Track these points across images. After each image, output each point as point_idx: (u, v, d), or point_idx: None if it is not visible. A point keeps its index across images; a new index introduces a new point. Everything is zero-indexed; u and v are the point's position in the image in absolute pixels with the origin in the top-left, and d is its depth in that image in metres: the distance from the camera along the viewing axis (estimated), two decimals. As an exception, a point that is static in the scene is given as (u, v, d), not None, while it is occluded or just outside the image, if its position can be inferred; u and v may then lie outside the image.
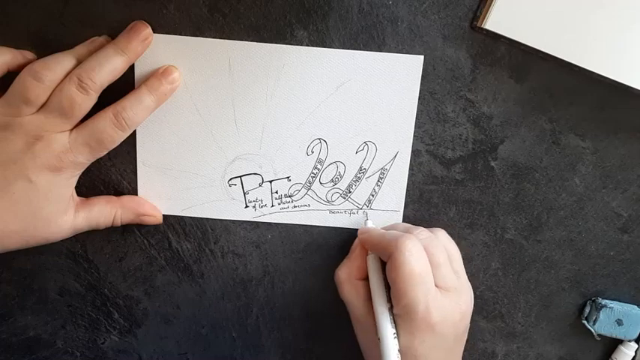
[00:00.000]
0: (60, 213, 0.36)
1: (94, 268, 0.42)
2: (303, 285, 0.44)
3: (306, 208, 0.41)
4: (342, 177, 0.41)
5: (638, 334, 0.44)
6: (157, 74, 0.36)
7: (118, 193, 0.40)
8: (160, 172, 0.39)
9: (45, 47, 0.36)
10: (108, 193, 0.40)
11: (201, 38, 0.37)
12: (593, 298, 0.45)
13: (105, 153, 0.36)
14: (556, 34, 0.36)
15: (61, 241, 0.41)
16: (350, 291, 0.38)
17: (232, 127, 0.39)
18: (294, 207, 0.41)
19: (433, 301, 0.33)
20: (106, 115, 0.35)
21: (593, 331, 0.44)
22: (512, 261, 0.44)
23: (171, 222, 0.41)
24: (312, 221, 0.41)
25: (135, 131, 0.38)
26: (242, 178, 0.40)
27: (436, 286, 0.34)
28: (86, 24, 0.36)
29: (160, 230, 0.41)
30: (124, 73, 0.35)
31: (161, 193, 0.40)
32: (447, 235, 0.39)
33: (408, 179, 0.41)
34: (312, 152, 0.40)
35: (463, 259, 0.39)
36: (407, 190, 0.41)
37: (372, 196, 0.41)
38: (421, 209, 0.42)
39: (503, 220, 0.43)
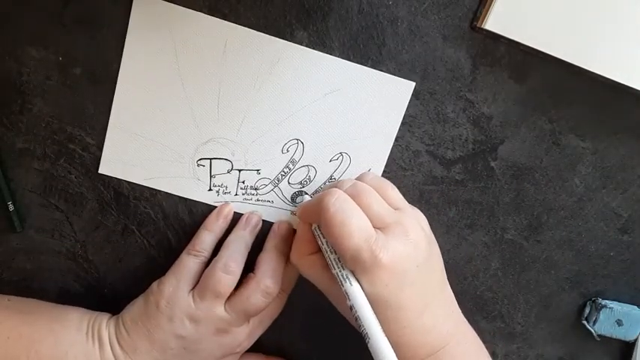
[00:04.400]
0: None
1: (93, 268, 0.42)
2: (303, 285, 0.43)
3: (268, 204, 0.41)
4: (311, 181, 0.41)
5: (638, 334, 0.44)
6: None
7: (118, 193, 0.40)
8: (131, 136, 0.38)
9: (45, 47, 0.36)
10: (107, 194, 0.40)
11: (203, 14, 0.36)
12: (593, 299, 0.45)
13: None
14: (556, 35, 0.36)
15: (61, 241, 0.41)
16: (307, 268, 0.37)
17: (214, 109, 0.38)
18: (257, 200, 0.41)
19: (376, 243, 0.32)
20: (258, 296, 0.37)
21: (593, 331, 0.44)
22: (512, 261, 0.44)
23: (171, 222, 0.41)
24: (272, 218, 0.41)
25: (115, 91, 0.37)
26: (212, 160, 0.40)
27: (375, 227, 0.33)
28: (86, 24, 0.36)
29: (160, 230, 0.41)
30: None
31: (126, 158, 0.39)
32: (375, 174, 0.39)
33: (408, 179, 0.41)
34: (288, 151, 0.40)
35: (463, 259, 0.39)
36: (407, 190, 0.41)
37: None
38: (421, 209, 0.42)
39: (503, 220, 0.43)
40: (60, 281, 0.42)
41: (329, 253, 0.34)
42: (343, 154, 0.40)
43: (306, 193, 0.41)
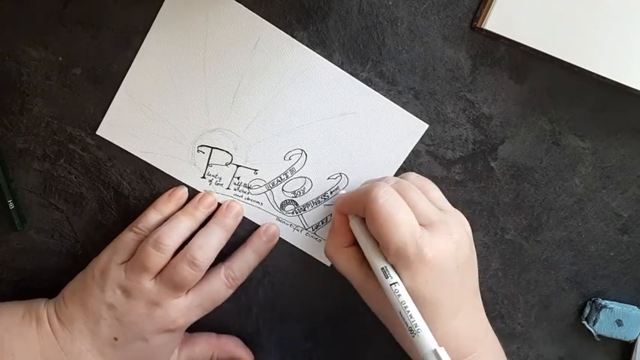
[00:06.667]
0: (167, 359, 0.40)
1: (93, 268, 0.42)
2: (303, 285, 0.44)
3: (257, 204, 0.41)
4: (304, 193, 0.41)
5: (638, 334, 0.44)
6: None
7: (118, 193, 0.40)
8: (138, 106, 0.38)
9: (45, 47, 0.36)
10: (107, 194, 0.40)
11: (244, 7, 0.36)
12: (593, 299, 0.45)
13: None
14: (556, 35, 0.36)
15: (61, 241, 0.41)
16: (343, 261, 0.36)
17: (228, 101, 0.38)
18: (247, 199, 0.41)
19: (421, 239, 0.32)
20: (219, 278, 0.39)
21: (593, 331, 0.44)
22: (512, 261, 0.44)
23: (171, 222, 0.41)
24: (256, 219, 0.41)
25: (135, 57, 0.37)
26: (213, 149, 0.39)
27: (420, 225, 0.33)
28: (86, 24, 0.36)
29: (160, 230, 0.41)
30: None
31: (128, 126, 0.39)
32: (417, 174, 0.39)
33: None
34: (290, 159, 0.40)
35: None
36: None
37: (322, 222, 0.42)
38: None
39: (503, 220, 0.43)
40: (60, 281, 0.42)
41: (366, 245, 0.34)
42: (342, 175, 0.40)
43: (338, 190, 0.41)
